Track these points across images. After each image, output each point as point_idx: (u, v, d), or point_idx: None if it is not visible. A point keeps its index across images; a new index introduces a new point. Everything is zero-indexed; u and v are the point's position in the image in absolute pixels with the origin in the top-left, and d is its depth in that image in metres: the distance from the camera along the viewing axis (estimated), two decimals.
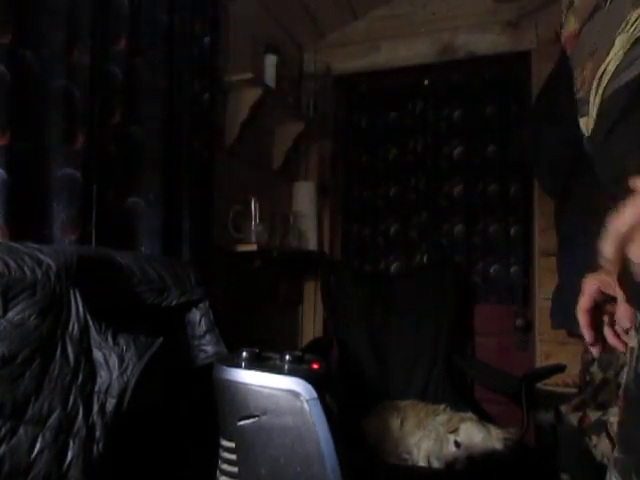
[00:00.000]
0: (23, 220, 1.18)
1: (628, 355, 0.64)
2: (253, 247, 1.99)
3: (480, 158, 2.59)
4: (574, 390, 2.03)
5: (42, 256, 0.97)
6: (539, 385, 1.99)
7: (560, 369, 1.91)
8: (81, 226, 1.29)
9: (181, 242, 1.62)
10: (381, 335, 2.42)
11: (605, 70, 0.58)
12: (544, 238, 2.29)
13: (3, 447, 0.82)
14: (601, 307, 0.79)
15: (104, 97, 1.40)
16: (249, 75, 2.00)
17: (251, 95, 2.04)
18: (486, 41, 2.43)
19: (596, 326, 0.78)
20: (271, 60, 2.18)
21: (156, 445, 1.08)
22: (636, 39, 0.54)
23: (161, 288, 1.21)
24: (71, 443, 0.89)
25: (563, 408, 1.88)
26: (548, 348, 2.29)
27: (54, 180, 1.26)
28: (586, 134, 0.64)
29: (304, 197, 2.56)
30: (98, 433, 0.91)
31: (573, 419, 1.87)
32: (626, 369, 0.64)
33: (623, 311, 0.73)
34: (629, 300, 0.70)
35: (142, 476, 1.04)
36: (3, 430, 0.82)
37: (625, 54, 0.55)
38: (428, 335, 2.35)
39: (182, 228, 1.62)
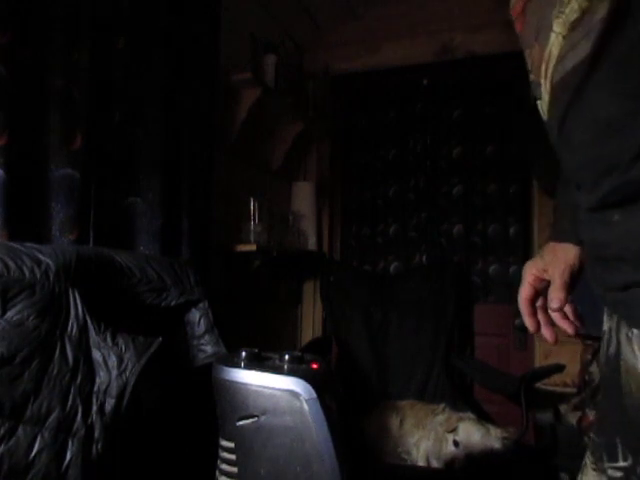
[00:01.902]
0: (22, 220, 1.18)
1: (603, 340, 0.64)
2: (252, 247, 1.99)
3: (479, 158, 2.59)
4: (573, 390, 2.04)
5: (41, 256, 0.97)
6: (538, 385, 1.99)
7: (559, 369, 1.92)
8: (80, 226, 1.28)
9: (180, 242, 1.61)
10: (380, 335, 2.42)
11: (550, 54, 0.56)
12: (543, 238, 2.29)
13: (2, 447, 0.82)
14: (541, 294, 0.80)
15: (103, 97, 1.39)
16: (249, 75, 2.00)
17: (251, 95, 2.04)
18: (486, 41, 2.43)
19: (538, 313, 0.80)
20: (271, 60, 2.18)
21: (155, 445, 1.08)
22: (572, 23, 0.52)
23: (160, 288, 1.21)
24: (70, 443, 0.89)
25: (562, 408, 1.89)
26: (547, 348, 2.29)
27: (53, 180, 1.26)
28: (544, 118, 0.62)
29: (303, 197, 2.56)
30: (97, 433, 0.91)
31: (572, 419, 1.87)
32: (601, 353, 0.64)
33: (552, 292, 0.75)
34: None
35: (141, 476, 1.04)
36: (2, 430, 0.82)
37: (564, 38, 0.53)
38: (427, 335, 2.35)
39: (181, 228, 1.62)
